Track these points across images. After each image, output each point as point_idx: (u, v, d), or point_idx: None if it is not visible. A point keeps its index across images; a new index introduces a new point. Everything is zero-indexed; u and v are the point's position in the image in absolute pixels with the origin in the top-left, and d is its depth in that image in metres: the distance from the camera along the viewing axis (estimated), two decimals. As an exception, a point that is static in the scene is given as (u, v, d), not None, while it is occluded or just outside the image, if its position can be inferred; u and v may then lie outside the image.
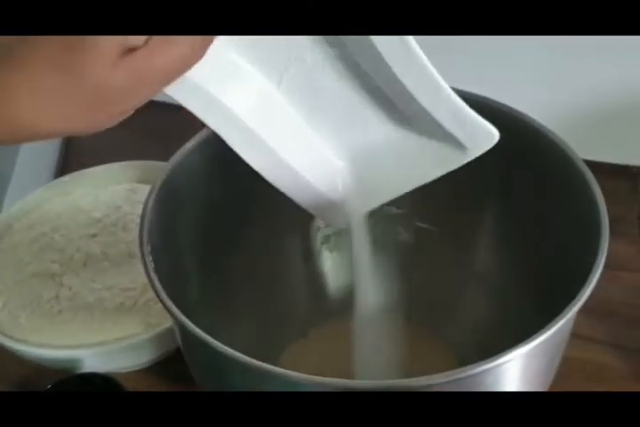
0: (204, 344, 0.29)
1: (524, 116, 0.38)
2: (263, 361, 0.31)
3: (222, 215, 0.42)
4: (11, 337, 0.48)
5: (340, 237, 0.49)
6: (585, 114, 0.56)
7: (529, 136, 0.38)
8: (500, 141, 0.40)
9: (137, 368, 0.50)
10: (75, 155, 0.68)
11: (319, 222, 0.48)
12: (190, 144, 0.39)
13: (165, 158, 0.40)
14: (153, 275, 0.32)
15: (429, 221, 0.47)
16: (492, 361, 0.27)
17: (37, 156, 0.64)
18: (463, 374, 0.26)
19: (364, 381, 0.27)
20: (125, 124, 0.72)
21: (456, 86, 0.32)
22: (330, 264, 0.50)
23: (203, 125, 0.40)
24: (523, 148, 0.38)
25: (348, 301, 0.50)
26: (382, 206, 0.48)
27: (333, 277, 0.51)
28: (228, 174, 0.42)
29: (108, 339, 0.47)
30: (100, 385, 0.45)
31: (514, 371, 0.30)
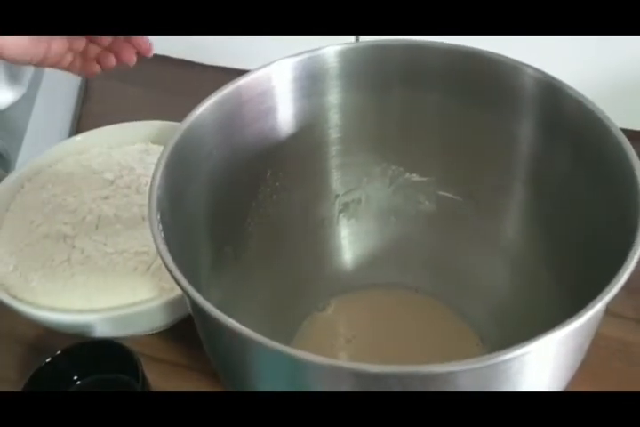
0: (214, 320, 0.28)
1: (562, 84, 0.36)
2: (280, 333, 0.30)
3: (236, 180, 0.41)
4: (22, 300, 0.47)
5: (359, 204, 0.48)
6: (623, 83, 0.54)
7: (567, 105, 0.36)
8: (536, 109, 0.38)
9: (149, 333, 0.49)
10: (89, 114, 0.67)
11: (338, 189, 0.47)
12: (202, 106, 0.37)
13: (182, 118, 0.38)
14: (162, 247, 0.31)
15: (453, 190, 0.45)
16: (518, 348, 0.25)
17: (51, 114, 0.63)
18: (487, 362, 0.25)
19: (379, 365, 0.25)
20: (142, 82, 0.69)
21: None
22: (347, 232, 0.49)
23: (219, 83, 0.39)
24: (560, 117, 0.36)
25: (365, 270, 0.49)
26: (403, 173, 0.46)
27: (351, 245, 0.49)
28: (242, 137, 0.40)
29: (122, 304, 0.46)
30: (110, 351, 0.44)
31: (541, 358, 0.28)
